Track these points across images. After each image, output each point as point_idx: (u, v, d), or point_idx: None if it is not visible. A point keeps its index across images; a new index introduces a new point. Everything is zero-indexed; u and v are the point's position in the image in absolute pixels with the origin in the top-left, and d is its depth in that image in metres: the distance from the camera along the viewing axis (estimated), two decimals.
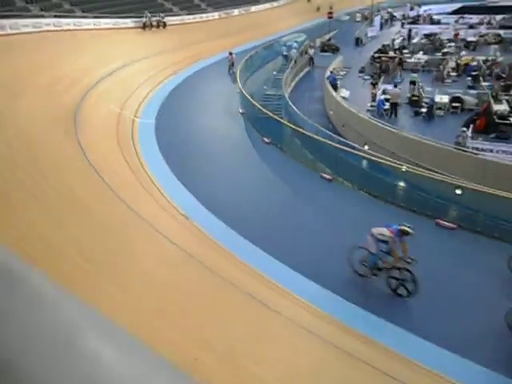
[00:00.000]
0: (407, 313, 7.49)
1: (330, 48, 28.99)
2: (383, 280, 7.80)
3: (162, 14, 27.40)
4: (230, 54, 23.58)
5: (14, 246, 5.73)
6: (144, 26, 25.95)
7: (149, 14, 26.31)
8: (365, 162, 12.41)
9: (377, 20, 35.20)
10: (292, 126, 14.50)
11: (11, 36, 17.58)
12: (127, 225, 8.15)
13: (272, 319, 5.89)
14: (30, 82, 14.04)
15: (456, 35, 29.06)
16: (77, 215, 7.64)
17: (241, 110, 17.96)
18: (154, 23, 26.64)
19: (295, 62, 24.05)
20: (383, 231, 7.67)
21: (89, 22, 22.78)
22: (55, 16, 21.33)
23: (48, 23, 20.21)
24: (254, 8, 36.94)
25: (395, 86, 17.29)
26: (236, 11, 34.82)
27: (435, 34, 29.04)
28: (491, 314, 7.14)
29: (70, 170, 9.98)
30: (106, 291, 5.24)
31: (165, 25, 27.29)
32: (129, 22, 25.39)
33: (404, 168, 10.95)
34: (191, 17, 30.64)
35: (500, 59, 21.76)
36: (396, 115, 16.40)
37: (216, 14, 32.98)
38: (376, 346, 6.33)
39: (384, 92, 17.85)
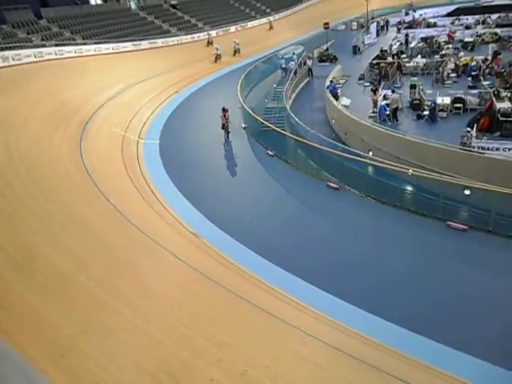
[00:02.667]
0: (423, 318, 7.35)
1: (328, 58, 29.17)
2: None
3: None
4: (224, 110, 16.59)
5: (19, 270, 5.76)
6: None
7: None
8: (370, 169, 12.36)
9: (373, 27, 35.39)
10: (295, 137, 14.51)
11: (14, 67, 17.95)
12: (135, 243, 8.14)
13: (289, 334, 5.78)
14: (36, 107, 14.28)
15: (450, 35, 29.27)
16: (82, 235, 7.65)
17: (243, 125, 18.05)
18: None
19: (294, 73, 24.19)
20: None
21: (89, 49, 23.22)
22: (56, 45, 21.77)
23: (49, 52, 20.58)
24: (250, 24, 37.44)
25: (393, 92, 17.32)
26: (233, 28, 35.34)
27: (432, 37, 29.10)
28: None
29: (75, 190, 10.04)
30: (116, 312, 5.21)
31: None
32: (129, 46, 25.87)
33: (410, 172, 10.88)
34: (189, 36, 31.13)
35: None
36: (397, 120, 16.39)
37: (213, 32, 33.47)
38: (403, 358, 6.18)
39: (385, 97, 17.85)
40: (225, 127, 16.79)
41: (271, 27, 39.42)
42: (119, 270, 6.64)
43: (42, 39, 22.26)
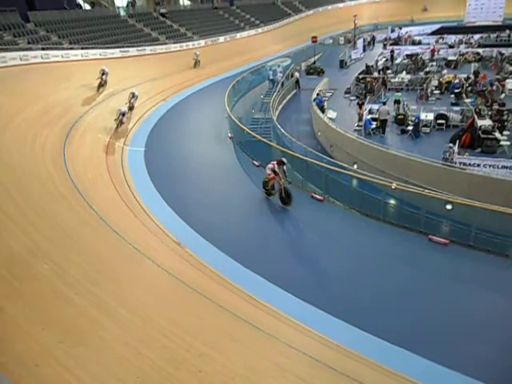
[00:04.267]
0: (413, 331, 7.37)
1: (315, 71, 29.60)
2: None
3: None
4: (282, 163, 11.63)
5: None
6: None
7: None
8: (355, 182, 12.47)
9: (360, 42, 36.10)
10: (281, 148, 14.58)
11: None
12: (116, 252, 8.02)
13: (271, 346, 5.72)
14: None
15: (433, 51, 30.33)
16: (62, 241, 7.49)
17: (229, 135, 18.06)
18: None
19: (282, 85, 24.41)
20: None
21: (76, 54, 23.02)
22: (43, 48, 21.53)
23: (35, 55, 20.34)
24: (238, 35, 37.72)
25: (384, 104, 17.62)
26: (222, 38, 35.54)
27: (417, 54, 29.83)
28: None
29: (57, 196, 9.86)
30: (94, 321, 5.10)
31: None
32: (116, 52, 25.75)
33: (393, 185, 11.01)
34: (177, 45, 31.16)
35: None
36: (384, 132, 16.65)
37: (202, 42, 33.61)
38: (387, 372, 6.16)
39: (370, 112, 18.13)
40: (279, 187, 11.59)
41: (197, 62, 28.76)
42: (99, 278, 6.50)
43: (29, 42, 22.00)
